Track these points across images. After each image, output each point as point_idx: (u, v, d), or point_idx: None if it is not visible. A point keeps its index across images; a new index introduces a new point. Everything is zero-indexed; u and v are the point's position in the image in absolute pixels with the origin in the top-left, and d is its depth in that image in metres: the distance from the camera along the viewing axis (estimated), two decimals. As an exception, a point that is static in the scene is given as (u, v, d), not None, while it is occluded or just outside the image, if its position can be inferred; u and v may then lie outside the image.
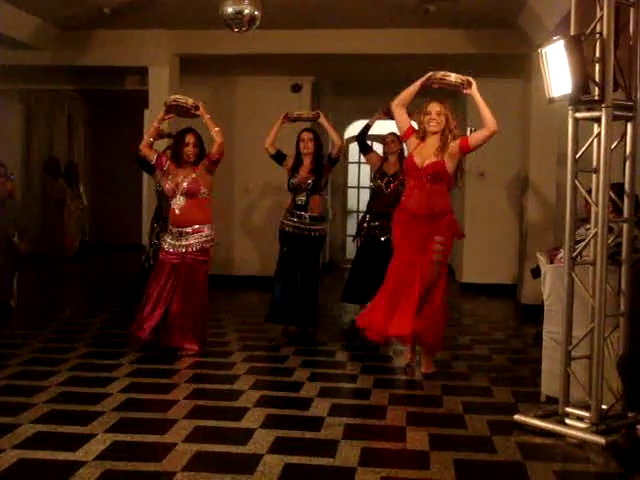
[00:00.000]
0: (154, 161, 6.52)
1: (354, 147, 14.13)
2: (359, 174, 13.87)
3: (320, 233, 7.30)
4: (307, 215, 7.20)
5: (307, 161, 7.26)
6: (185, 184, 6.33)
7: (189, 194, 6.33)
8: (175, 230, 6.40)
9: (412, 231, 5.82)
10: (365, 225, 8.11)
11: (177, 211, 6.37)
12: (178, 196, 6.36)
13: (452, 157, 5.77)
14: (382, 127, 13.75)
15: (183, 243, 6.35)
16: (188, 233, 6.35)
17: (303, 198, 7.18)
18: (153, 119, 6.78)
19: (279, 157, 7.35)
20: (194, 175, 6.37)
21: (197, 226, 6.36)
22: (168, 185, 6.41)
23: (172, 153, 6.51)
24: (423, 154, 5.81)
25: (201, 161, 6.42)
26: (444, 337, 6.09)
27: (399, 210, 5.99)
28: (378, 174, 8.03)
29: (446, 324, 6.15)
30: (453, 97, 12.48)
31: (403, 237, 5.91)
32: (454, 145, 5.77)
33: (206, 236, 6.39)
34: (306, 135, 7.30)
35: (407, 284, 5.78)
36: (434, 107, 5.83)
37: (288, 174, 7.32)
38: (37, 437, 4.31)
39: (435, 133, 5.80)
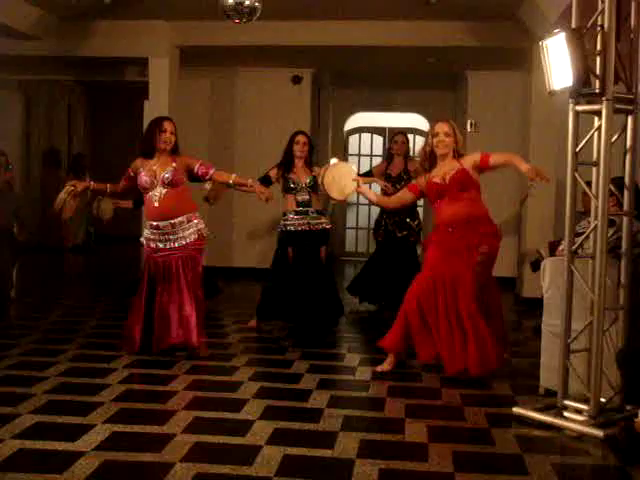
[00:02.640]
0: (126, 183, 6.21)
1: (354, 139, 14.22)
2: (359, 166, 13.85)
3: (326, 226, 7.28)
4: (314, 210, 7.15)
5: (299, 163, 7.17)
6: (167, 174, 5.93)
7: (172, 184, 5.94)
8: (157, 225, 5.97)
9: (449, 247, 5.62)
10: (383, 223, 8.33)
11: (156, 204, 5.95)
12: (157, 187, 5.94)
13: (473, 167, 5.62)
14: (388, 120, 13.76)
15: (177, 237, 5.97)
16: (176, 225, 5.95)
17: (306, 196, 7.10)
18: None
19: (266, 182, 7.02)
20: (174, 165, 5.98)
21: (186, 215, 5.97)
22: (144, 177, 5.96)
23: (144, 143, 6.09)
24: (441, 174, 5.66)
25: (184, 155, 6.10)
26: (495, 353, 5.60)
27: (433, 229, 5.89)
28: (383, 177, 8.05)
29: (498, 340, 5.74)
30: (453, 90, 12.58)
31: (438, 254, 5.67)
32: (471, 158, 5.66)
33: (201, 226, 6.03)
34: (302, 138, 7.21)
35: (447, 306, 5.57)
36: (442, 127, 5.69)
37: (280, 177, 7.16)
38: (36, 427, 4.32)
39: (444, 155, 5.68)
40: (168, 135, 6.02)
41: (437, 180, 5.67)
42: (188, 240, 5.99)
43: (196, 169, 6.06)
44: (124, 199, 7.48)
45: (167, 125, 6.07)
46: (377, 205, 7.13)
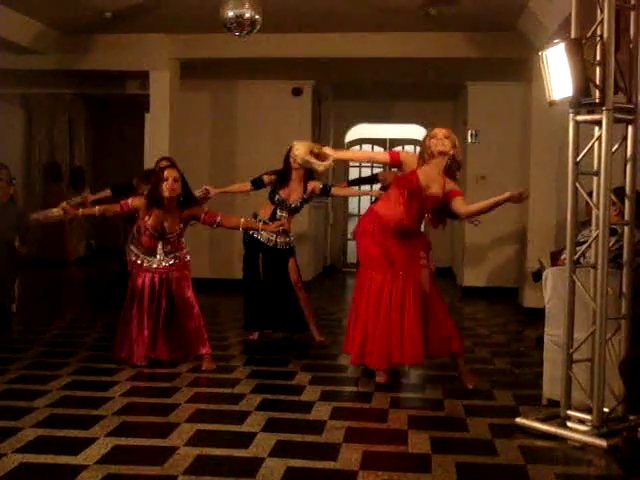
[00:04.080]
0: (119, 210, 6.11)
1: (355, 150, 14.22)
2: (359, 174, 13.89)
3: (290, 244, 7.19)
4: (281, 230, 6.90)
5: (297, 177, 7.04)
6: (172, 236, 6.02)
7: (177, 237, 6.07)
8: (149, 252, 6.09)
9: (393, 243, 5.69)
10: None
11: (160, 256, 6.06)
12: (162, 243, 6.02)
13: (447, 192, 5.60)
14: (389, 132, 13.77)
15: (172, 255, 6.08)
16: (171, 242, 6.05)
17: (284, 215, 7.03)
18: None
19: (258, 184, 7.16)
20: (181, 225, 6.02)
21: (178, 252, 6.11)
22: (150, 226, 5.95)
23: (150, 195, 5.99)
24: (428, 177, 5.61)
25: (190, 208, 6.01)
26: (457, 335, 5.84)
27: (372, 217, 5.82)
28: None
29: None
30: (454, 101, 12.60)
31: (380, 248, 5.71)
32: (450, 185, 5.60)
33: (185, 256, 6.15)
34: None
35: (400, 303, 5.63)
36: (440, 130, 5.64)
37: (271, 184, 7.12)
38: (38, 441, 4.31)
39: (442, 153, 5.58)
40: (170, 184, 5.87)
41: (422, 179, 5.58)
42: (174, 262, 6.09)
43: (202, 220, 6.07)
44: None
45: (168, 173, 5.93)
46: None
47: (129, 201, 6.11)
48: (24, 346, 6.83)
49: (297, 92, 11.20)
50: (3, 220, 7.62)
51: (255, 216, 7.08)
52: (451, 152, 5.59)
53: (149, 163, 9.03)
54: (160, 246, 6.04)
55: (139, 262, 6.13)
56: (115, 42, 9.67)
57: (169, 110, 9.86)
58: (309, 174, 7.09)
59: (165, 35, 9.63)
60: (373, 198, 7.55)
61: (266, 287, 7.16)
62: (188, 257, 6.20)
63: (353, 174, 13.40)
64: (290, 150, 7.11)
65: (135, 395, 5.34)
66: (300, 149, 5.77)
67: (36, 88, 12.70)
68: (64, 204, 6.14)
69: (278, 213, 7.06)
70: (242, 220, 6.21)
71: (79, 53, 9.84)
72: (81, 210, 6.33)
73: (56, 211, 6.06)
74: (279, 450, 4.24)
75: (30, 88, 12.70)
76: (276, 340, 7.34)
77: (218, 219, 6.08)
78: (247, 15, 6.75)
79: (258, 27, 6.88)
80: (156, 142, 9.85)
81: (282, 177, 7.09)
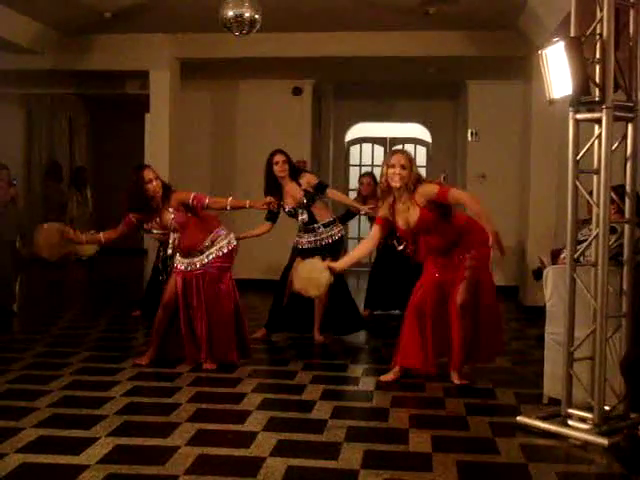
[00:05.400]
0: (126, 229, 6.16)
1: (355, 149, 14.24)
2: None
3: (335, 237, 7.09)
4: (319, 225, 7.00)
5: (286, 183, 6.96)
6: (172, 224, 6.03)
7: (182, 227, 6.04)
8: (185, 260, 6.10)
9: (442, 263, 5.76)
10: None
11: (177, 241, 6.11)
12: (171, 233, 6.12)
13: (428, 201, 5.51)
14: (389, 131, 13.67)
15: (198, 259, 6.06)
16: (203, 250, 6.05)
17: (305, 216, 6.98)
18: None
19: (274, 216, 7.08)
20: (171, 210, 6.00)
21: (209, 238, 6.06)
22: (155, 229, 6.17)
23: (131, 201, 6.02)
24: (403, 219, 5.59)
25: (175, 194, 6.04)
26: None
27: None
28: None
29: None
30: (454, 100, 12.60)
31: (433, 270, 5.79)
32: (425, 192, 5.50)
33: (221, 243, 6.09)
34: (279, 157, 6.96)
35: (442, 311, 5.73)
36: (399, 160, 5.51)
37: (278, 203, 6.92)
38: (40, 441, 4.31)
39: (398, 188, 5.51)
40: (152, 185, 5.94)
41: (402, 226, 5.61)
42: (209, 259, 6.05)
43: (191, 203, 6.03)
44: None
45: (147, 174, 5.97)
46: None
47: (130, 216, 6.11)
48: (25, 346, 6.83)
49: (297, 91, 11.21)
50: (4, 221, 7.63)
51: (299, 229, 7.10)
52: (405, 181, 5.49)
53: (149, 163, 9.02)
54: (171, 237, 6.10)
55: (180, 267, 6.13)
56: (115, 42, 9.68)
57: (169, 110, 9.87)
58: (294, 174, 7.00)
59: (165, 35, 9.64)
60: (363, 212, 7.61)
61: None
62: (212, 255, 6.08)
63: (353, 172, 13.40)
64: (270, 159, 6.99)
65: (136, 395, 5.34)
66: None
67: (36, 88, 12.70)
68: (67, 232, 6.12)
69: (300, 220, 7.01)
70: (229, 199, 6.18)
71: (79, 53, 9.85)
72: (84, 237, 6.24)
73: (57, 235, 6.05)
74: (280, 449, 4.24)
75: (30, 88, 12.70)
76: (277, 339, 7.33)
77: (206, 201, 6.05)
78: (247, 15, 6.75)
79: (258, 26, 6.88)
80: (156, 142, 9.87)
81: (275, 190, 6.92)
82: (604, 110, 4.43)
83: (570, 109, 4.62)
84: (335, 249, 7.09)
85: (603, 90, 4.41)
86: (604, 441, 4.30)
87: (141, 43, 9.69)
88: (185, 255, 6.09)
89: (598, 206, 4.52)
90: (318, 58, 9.75)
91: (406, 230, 5.65)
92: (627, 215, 4.63)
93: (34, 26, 9.13)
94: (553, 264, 6.19)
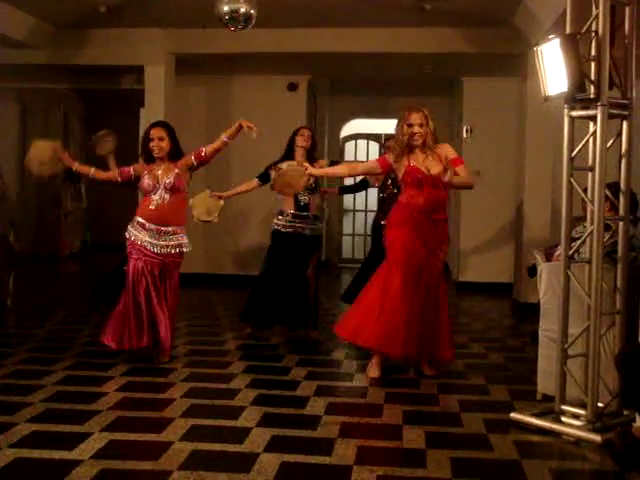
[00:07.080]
0: (119, 178, 6.20)
1: (350, 145, 14.24)
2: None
3: (320, 232, 7.25)
4: (311, 215, 7.01)
5: (301, 157, 6.89)
6: (169, 179, 5.99)
7: (174, 189, 6.00)
8: (152, 227, 6.00)
9: (420, 231, 5.70)
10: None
11: (153, 206, 5.99)
12: (160, 191, 5.99)
13: (443, 161, 5.68)
14: (384, 127, 13.77)
15: (163, 243, 6.01)
16: (168, 233, 6.02)
17: (306, 198, 6.95)
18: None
19: (265, 178, 7.02)
20: (177, 171, 6.02)
21: (177, 227, 6.06)
22: (147, 180, 6.02)
23: (142, 149, 6.15)
24: (423, 163, 5.69)
25: (183, 157, 6.09)
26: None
27: (400, 208, 5.81)
28: (390, 180, 7.48)
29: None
30: (448, 98, 12.59)
31: (409, 240, 5.70)
32: (444, 151, 5.74)
33: (184, 242, 6.10)
34: (306, 131, 7.10)
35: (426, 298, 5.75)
36: (416, 119, 5.66)
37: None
38: (33, 436, 4.31)
39: (418, 147, 5.70)
40: (156, 143, 6.03)
41: (421, 168, 5.66)
42: (168, 251, 6.02)
43: (194, 162, 6.09)
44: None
45: (154, 132, 6.08)
46: (333, 176, 7.11)
47: (131, 168, 6.18)
48: (19, 341, 6.83)
49: (292, 87, 11.19)
50: (-2, 215, 7.61)
51: (281, 213, 7.04)
52: (425, 138, 5.66)
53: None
54: (158, 196, 6.01)
55: (146, 245, 6.04)
56: (110, 37, 9.65)
57: (164, 105, 9.85)
58: (311, 153, 7.02)
59: (160, 30, 9.61)
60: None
61: (278, 279, 7.00)
62: (185, 245, 6.13)
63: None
64: (295, 134, 7.08)
65: (130, 390, 5.34)
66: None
67: (31, 83, 12.64)
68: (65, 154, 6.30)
69: (300, 198, 6.94)
70: (222, 136, 6.14)
71: (74, 48, 9.82)
72: (77, 164, 6.41)
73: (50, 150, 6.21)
74: (274, 445, 4.25)
75: (25, 83, 12.65)
76: (271, 335, 7.32)
77: (203, 151, 6.10)
78: (242, 10, 6.74)
79: (253, 22, 6.87)
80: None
81: (286, 159, 6.96)
82: (599, 107, 4.44)
83: (565, 106, 4.62)
84: (318, 243, 7.25)
85: (598, 87, 4.42)
86: (597, 438, 4.31)
87: (136, 38, 9.66)
88: (146, 220, 6.00)
89: (592, 203, 4.53)
90: (313, 54, 9.73)
91: (423, 175, 5.64)
92: (621, 212, 4.65)
93: (29, 20, 9.10)
94: (547, 261, 6.20)
